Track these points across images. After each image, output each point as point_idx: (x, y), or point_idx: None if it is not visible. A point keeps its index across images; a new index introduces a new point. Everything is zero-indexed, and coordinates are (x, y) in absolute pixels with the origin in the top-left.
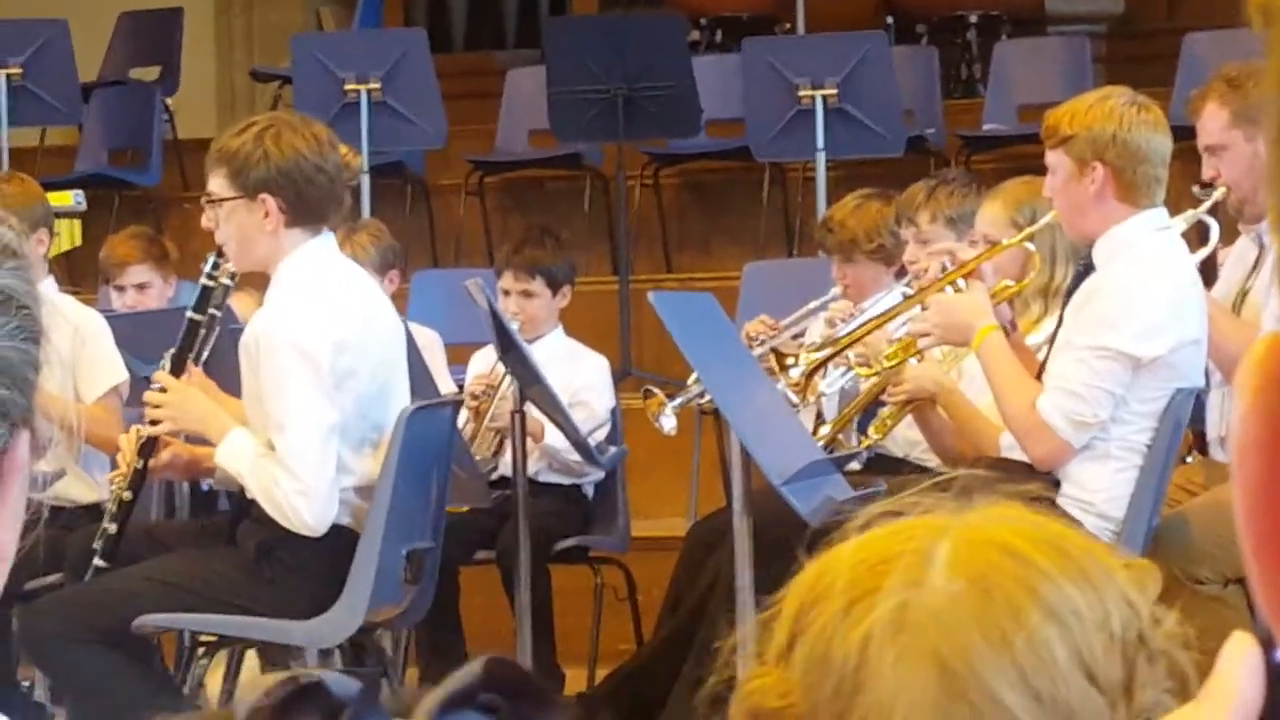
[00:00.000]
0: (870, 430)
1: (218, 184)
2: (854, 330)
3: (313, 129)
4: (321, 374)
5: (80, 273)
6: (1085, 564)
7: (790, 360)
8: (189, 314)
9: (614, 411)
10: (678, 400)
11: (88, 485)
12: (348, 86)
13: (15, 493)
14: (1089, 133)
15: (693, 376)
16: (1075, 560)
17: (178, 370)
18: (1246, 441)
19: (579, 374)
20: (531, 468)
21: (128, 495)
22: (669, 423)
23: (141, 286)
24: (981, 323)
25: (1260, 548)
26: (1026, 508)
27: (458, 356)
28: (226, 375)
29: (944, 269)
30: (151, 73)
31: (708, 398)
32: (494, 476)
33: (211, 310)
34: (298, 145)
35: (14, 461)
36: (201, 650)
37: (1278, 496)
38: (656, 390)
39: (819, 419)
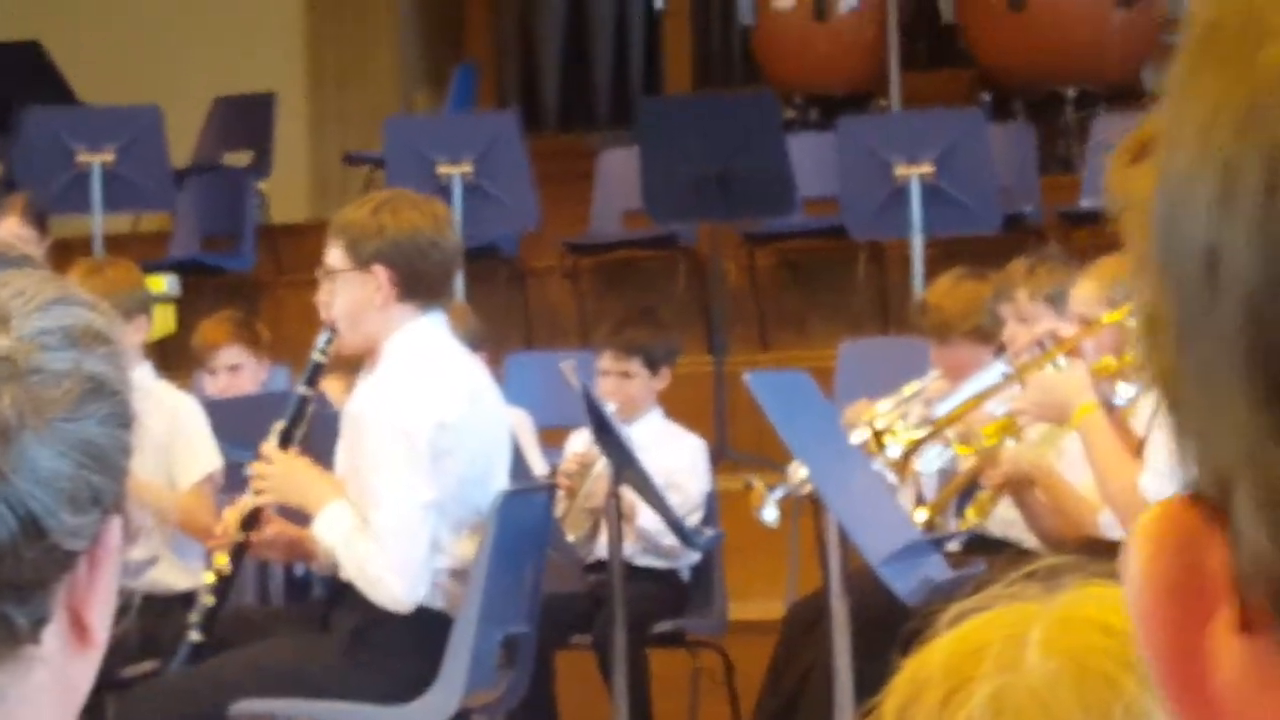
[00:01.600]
0: (968, 512)
1: (334, 256)
2: (952, 409)
3: (432, 206)
4: (419, 451)
5: (174, 359)
6: None
7: (888, 439)
8: (299, 389)
9: (710, 494)
10: (779, 492)
11: (182, 572)
12: (440, 169)
13: (107, 579)
14: None
15: (793, 464)
16: None
17: (285, 444)
18: (1143, 611)
19: (675, 456)
20: (626, 550)
21: (228, 569)
22: (771, 514)
23: (234, 369)
24: (1080, 400)
25: (1176, 702)
26: (1115, 585)
27: (553, 439)
28: (319, 459)
29: (1043, 347)
30: (244, 157)
31: (809, 487)
32: (589, 560)
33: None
34: (415, 220)
35: (106, 548)
36: None
37: (1182, 662)
38: (757, 482)
39: (919, 499)
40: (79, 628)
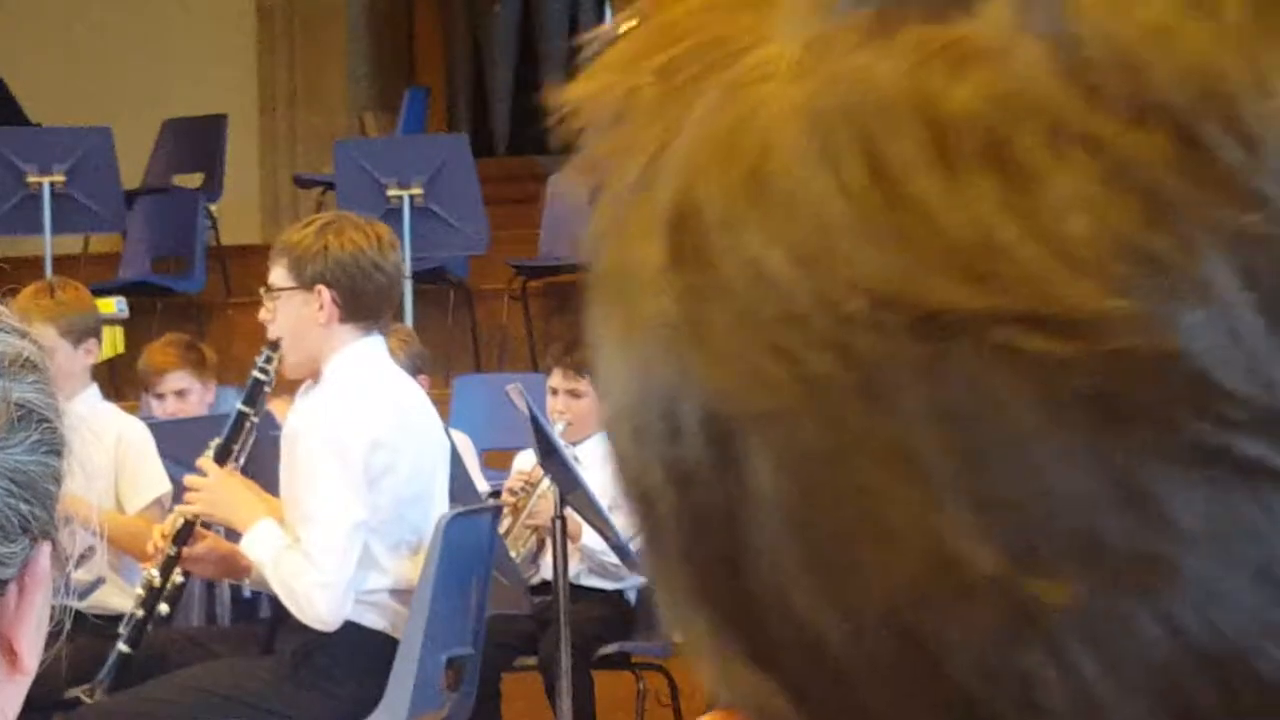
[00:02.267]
0: None
1: (278, 275)
2: None
3: (375, 228)
4: (353, 470)
5: (123, 380)
6: None
7: None
8: (238, 406)
9: None
10: None
11: (127, 594)
12: (390, 192)
13: (37, 605)
14: None
15: None
16: None
17: (221, 459)
18: None
19: None
20: (572, 570)
21: (158, 580)
22: None
23: (181, 393)
24: None
25: None
26: None
27: (500, 462)
28: (265, 478)
29: None
30: (195, 179)
31: None
32: (534, 581)
33: (259, 405)
34: (359, 241)
35: (35, 575)
36: None
37: None
38: None
39: None
40: (8, 654)
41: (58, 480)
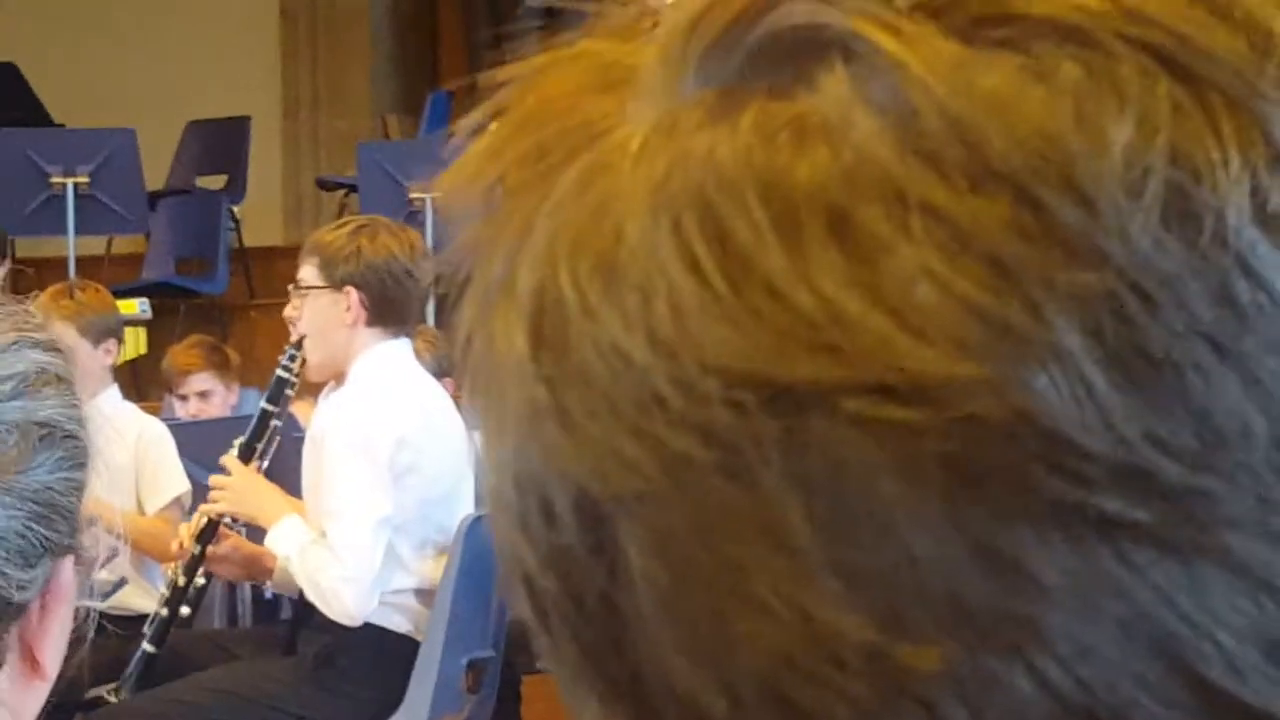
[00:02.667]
0: None
1: (307, 273)
2: None
3: (409, 235)
4: (378, 466)
5: (145, 381)
6: None
7: None
8: (262, 403)
9: None
10: None
11: (148, 595)
12: (413, 194)
13: (60, 616)
14: None
15: None
16: None
17: (245, 458)
18: None
19: None
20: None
21: (182, 580)
22: None
23: (204, 394)
24: None
25: None
26: None
27: None
28: (288, 480)
29: None
30: (218, 181)
31: None
32: None
33: (283, 403)
34: (391, 246)
35: (59, 589)
36: None
37: None
38: None
39: None
40: (30, 662)
41: (81, 491)
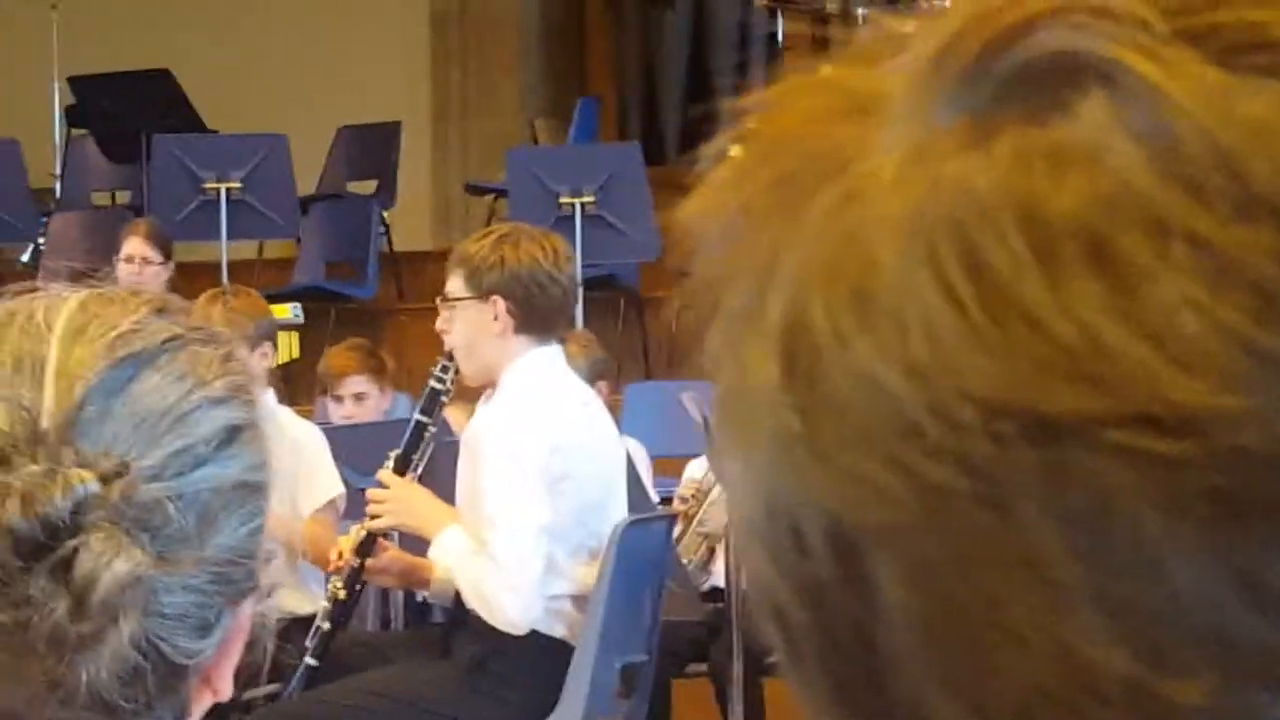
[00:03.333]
0: None
1: (454, 285)
2: None
3: (552, 241)
4: (534, 473)
5: (297, 384)
6: None
7: None
8: (416, 415)
9: None
10: None
11: (303, 597)
12: (562, 200)
13: (238, 648)
14: None
15: None
16: None
17: (401, 470)
18: None
19: None
20: (743, 580)
21: (343, 594)
22: None
23: (359, 397)
24: None
25: None
26: None
27: (671, 469)
28: (441, 486)
29: None
30: (368, 186)
31: None
32: (705, 588)
33: (436, 414)
34: (534, 254)
35: (236, 631)
36: None
37: None
38: None
39: None
40: (207, 687)
41: (260, 535)
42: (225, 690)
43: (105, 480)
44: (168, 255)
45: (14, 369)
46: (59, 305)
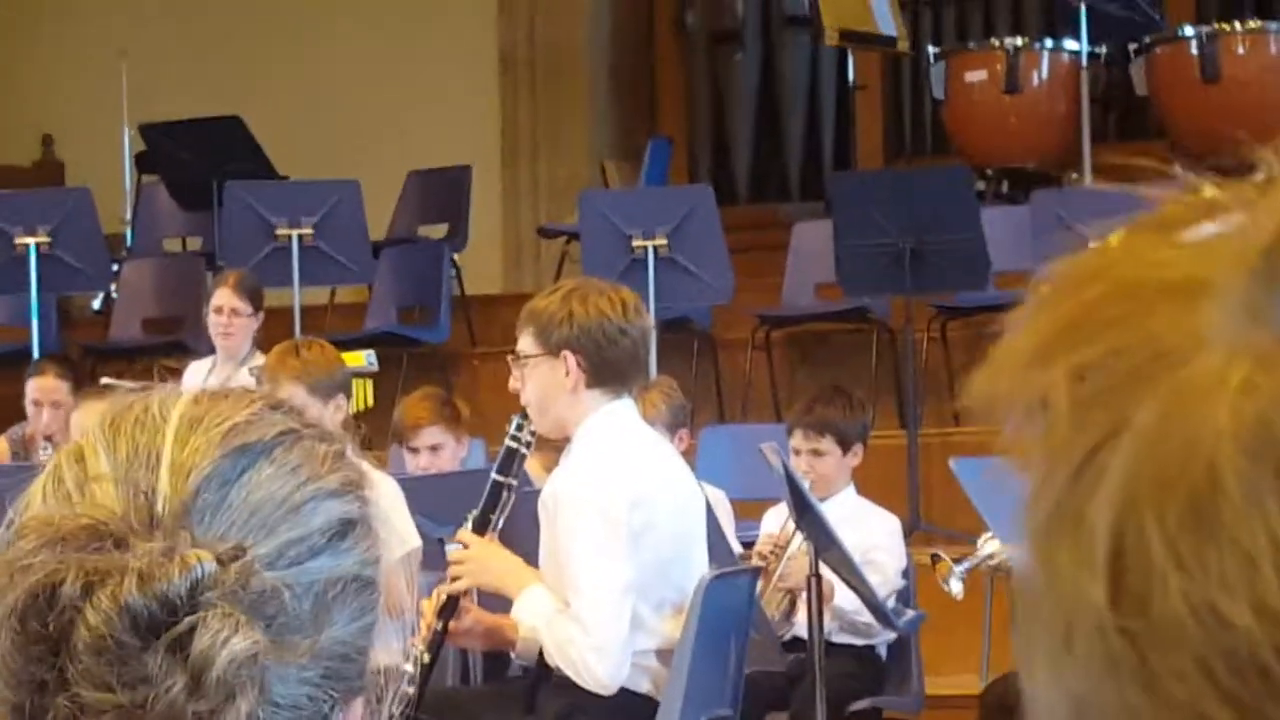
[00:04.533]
0: None
1: (525, 343)
2: None
3: (620, 293)
4: (618, 531)
5: (371, 431)
6: None
7: None
8: (494, 475)
9: (906, 571)
10: (965, 565)
11: (381, 650)
12: (635, 243)
13: None
14: None
15: (983, 538)
16: None
17: (480, 530)
18: None
19: (870, 534)
20: (825, 628)
21: (426, 658)
22: (957, 586)
23: (435, 448)
24: None
25: None
26: None
27: (746, 512)
28: (520, 538)
29: None
30: (439, 230)
31: (995, 560)
32: (786, 638)
33: (514, 473)
34: (603, 307)
35: None
36: None
37: None
38: (943, 555)
39: None
40: None
41: (372, 631)
42: None
43: (222, 563)
44: (257, 306)
45: (130, 457)
46: (173, 399)
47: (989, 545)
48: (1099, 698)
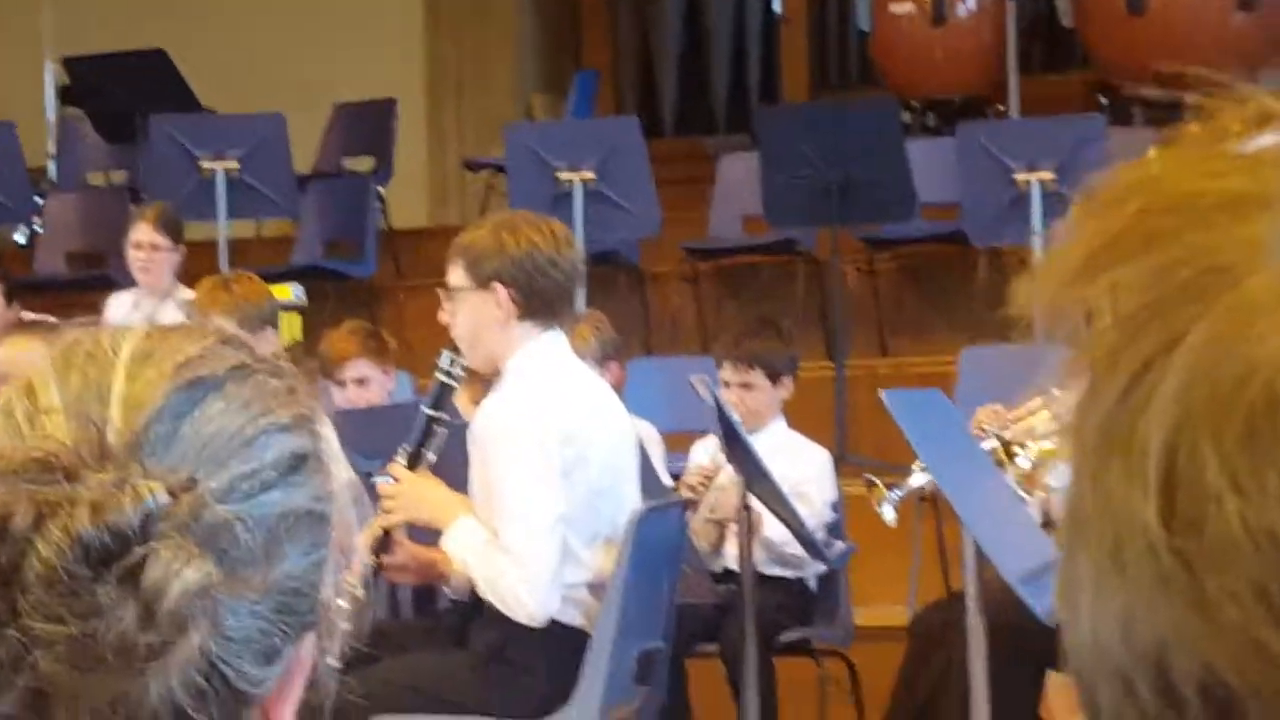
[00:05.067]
0: None
1: (455, 276)
2: None
3: (551, 225)
4: (550, 463)
5: (299, 367)
6: None
7: (1018, 451)
8: (425, 410)
9: (836, 504)
10: (899, 493)
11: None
12: (561, 176)
13: (299, 686)
14: None
15: (915, 465)
16: None
17: (412, 465)
18: None
19: (800, 467)
20: (754, 560)
21: (361, 594)
22: (890, 513)
23: (361, 381)
24: None
25: None
26: None
27: (675, 445)
28: (449, 471)
29: None
30: (365, 163)
31: (925, 491)
32: (717, 570)
33: (445, 407)
34: (534, 239)
35: (298, 665)
36: None
37: None
38: (878, 480)
39: (1045, 515)
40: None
41: (324, 566)
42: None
43: (174, 494)
44: (177, 240)
45: (81, 390)
46: (124, 333)
47: (919, 477)
48: (1149, 618)
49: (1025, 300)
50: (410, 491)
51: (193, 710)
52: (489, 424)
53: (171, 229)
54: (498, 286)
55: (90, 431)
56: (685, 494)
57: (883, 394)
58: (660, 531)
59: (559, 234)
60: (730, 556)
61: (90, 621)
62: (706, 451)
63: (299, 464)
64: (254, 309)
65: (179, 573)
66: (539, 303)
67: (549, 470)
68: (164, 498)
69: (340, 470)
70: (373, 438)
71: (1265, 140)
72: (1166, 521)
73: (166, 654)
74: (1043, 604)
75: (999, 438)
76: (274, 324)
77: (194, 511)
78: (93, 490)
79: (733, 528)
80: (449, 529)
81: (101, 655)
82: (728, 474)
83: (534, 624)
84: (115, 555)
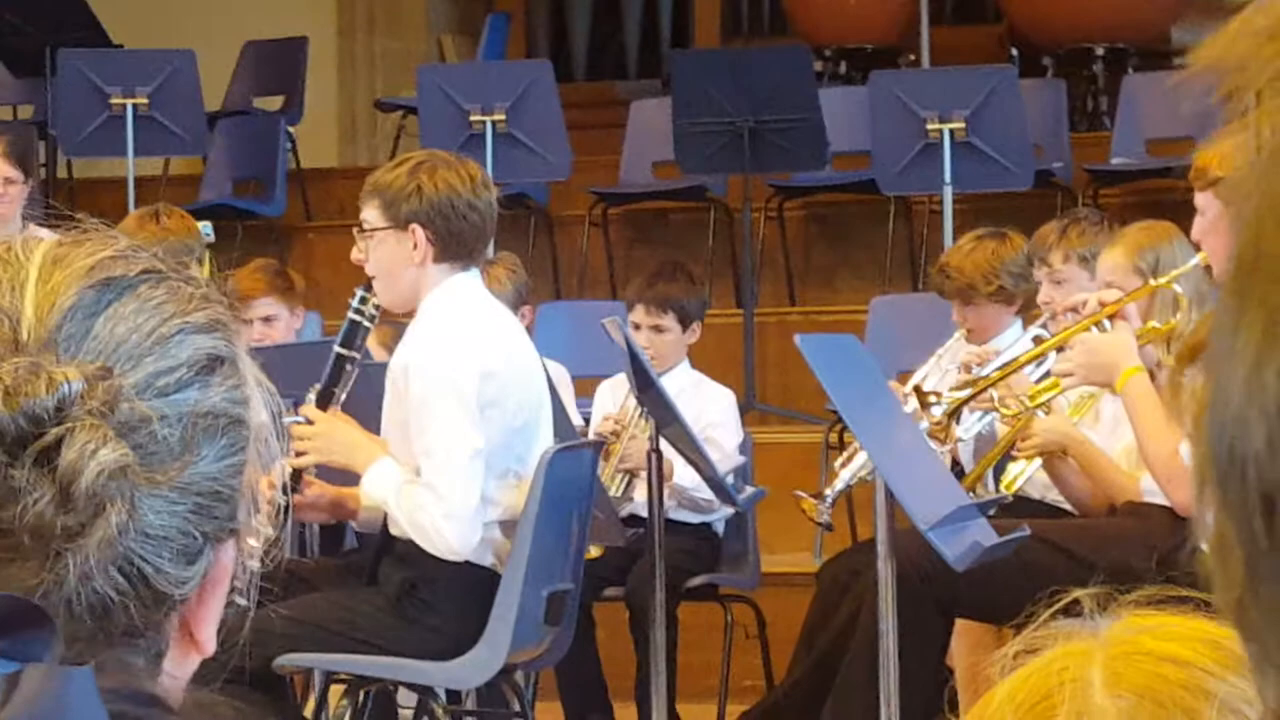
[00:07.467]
0: (1002, 484)
1: (370, 215)
2: (994, 372)
3: (468, 167)
4: (466, 400)
5: None
6: (1239, 651)
7: (933, 400)
8: (336, 348)
9: (744, 446)
10: (830, 497)
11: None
12: (473, 117)
13: (219, 597)
14: None
15: (838, 461)
16: (1230, 650)
17: (324, 404)
18: None
19: (706, 409)
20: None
21: (271, 532)
22: (825, 518)
23: (268, 319)
24: (1127, 364)
25: None
26: (1162, 611)
27: (581, 389)
28: (362, 411)
29: (1078, 310)
30: (275, 102)
31: (856, 480)
32: (624, 514)
33: (357, 346)
34: (451, 181)
35: (218, 574)
36: (344, 690)
37: None
38: (804, 494)
39: (954, 462)
40: (189, 639)
41: (242, 473)
42: (207, 644)
43: (89, 381)
44: (28, 172)
45: None
46: (36, 241)
47: (843, 478)
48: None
49: (1212, 53)
50: (323, 432)
51: (113, 605)
52: (409, 364)
53: (22, 160)
54: (415, 228)
55: (2, 324)
56: (594, 439)
57: (797, 339)
58: (571, 472)
59: (476, 176)
60: (639, 502)
61: (6, 506)
62: (612, 395)
63: (215, 365)
64: (180, 244)
65: (95, 453)
66: (456, 244)
67: (468, 408)
68: (79, 383)
69: (261, 391)
70: (281, 377)
71: None
72: None
73: (84, 535)
74: (953, 551)
75: (916, 388)
76: (200, 260)
77: (109, 401)
78: (5, 375)
79: (642, 474)
80: (367, 471)
81: (18, 541)
82: (638, 421)
83: (455, 558)
84: (30, 437)
